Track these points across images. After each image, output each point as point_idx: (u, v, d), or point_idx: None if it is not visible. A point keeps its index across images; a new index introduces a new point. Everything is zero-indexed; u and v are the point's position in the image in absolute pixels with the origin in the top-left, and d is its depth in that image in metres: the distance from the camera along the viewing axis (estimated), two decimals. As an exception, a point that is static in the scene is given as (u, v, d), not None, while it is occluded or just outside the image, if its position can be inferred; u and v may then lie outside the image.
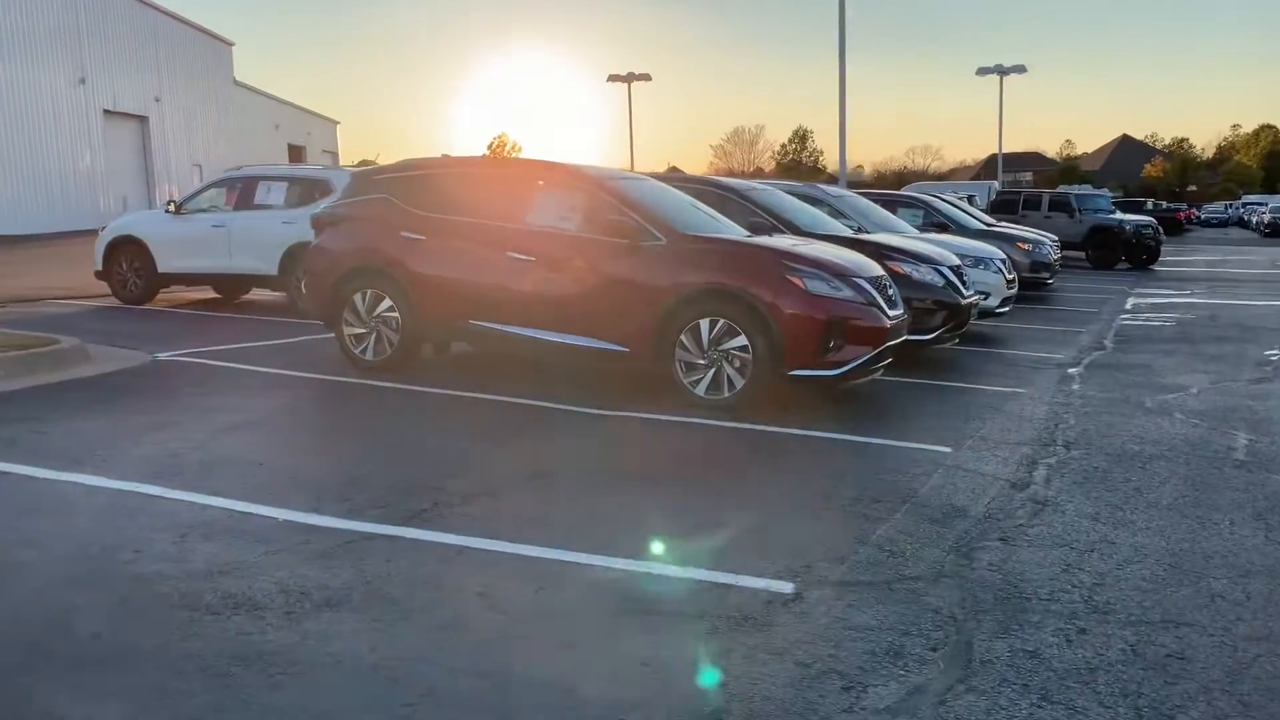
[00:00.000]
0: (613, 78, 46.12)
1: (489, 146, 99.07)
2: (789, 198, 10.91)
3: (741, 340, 7.21)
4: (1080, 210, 26.86)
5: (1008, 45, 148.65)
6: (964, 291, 9.89)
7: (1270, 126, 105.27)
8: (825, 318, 7.18)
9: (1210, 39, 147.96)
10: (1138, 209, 49.51)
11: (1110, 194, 63.94)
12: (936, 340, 9.65)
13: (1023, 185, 41.56)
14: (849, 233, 10.55)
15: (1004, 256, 12.54)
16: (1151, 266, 26.75)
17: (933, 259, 9.82)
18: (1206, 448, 6.64)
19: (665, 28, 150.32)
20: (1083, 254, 26.65)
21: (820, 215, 11.06)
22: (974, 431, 7.01)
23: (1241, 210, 76.12)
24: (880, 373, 7.97)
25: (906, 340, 9.29)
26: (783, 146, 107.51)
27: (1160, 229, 27.15)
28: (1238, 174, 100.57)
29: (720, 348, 7.26)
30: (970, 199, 36.22)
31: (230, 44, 46.41)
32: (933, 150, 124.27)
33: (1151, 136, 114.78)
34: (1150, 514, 5.14)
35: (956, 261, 10.26)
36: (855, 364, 7.28)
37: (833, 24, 26.53)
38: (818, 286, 7.26)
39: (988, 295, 11.96)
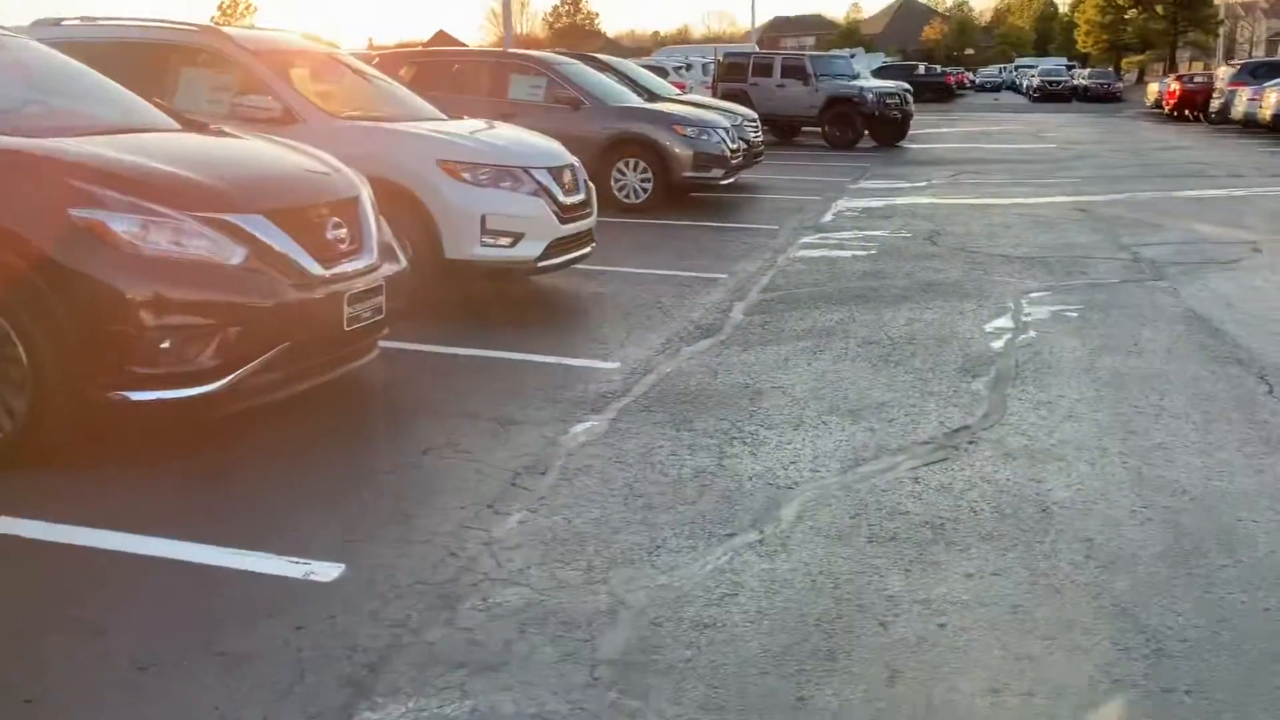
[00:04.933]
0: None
1: (219, 8, 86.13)
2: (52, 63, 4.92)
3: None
4: (817, 77, 21.82)
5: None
6: (313, 271, 4.37)
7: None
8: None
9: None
10: (907, 74, 45.75)
11: (886, 57, 60.59)
12: (259, 392, 4.16)
13: (770, 50, 37.03)
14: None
15: (562, 164, 7.00)
16: (899, 144, 22.26)
17: (226, 204, 4.18)
18: None
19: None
20: (819, 130, 21.86)
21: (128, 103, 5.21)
22: None
23: (1014, 74, 74.69)
24: None
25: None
26: (555, 9, 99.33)
27: (909, 98, 22.60)
28: (1011, 37, 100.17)
29: None
30: (689, 67, 31.60)
31: None
32: (727, 16, 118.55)
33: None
34: None
35: (352, 192, 4.71)
36: None
37: None
38: None
39: (515, 239, 6.55)
